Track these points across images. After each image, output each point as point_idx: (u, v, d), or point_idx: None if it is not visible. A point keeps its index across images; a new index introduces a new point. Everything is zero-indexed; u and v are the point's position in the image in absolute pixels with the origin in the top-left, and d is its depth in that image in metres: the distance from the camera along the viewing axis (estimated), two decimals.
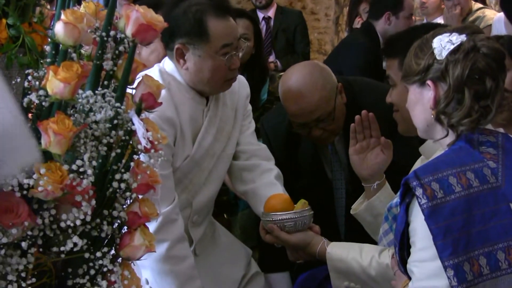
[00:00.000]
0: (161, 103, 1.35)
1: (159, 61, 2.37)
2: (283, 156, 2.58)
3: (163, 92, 2.10)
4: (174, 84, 2.22)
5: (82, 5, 1.39)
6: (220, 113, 2.33)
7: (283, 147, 2.61)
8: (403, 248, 1.56)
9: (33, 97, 1.24)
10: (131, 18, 1.29)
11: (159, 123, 2.04)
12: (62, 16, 1.26)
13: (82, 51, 1.41)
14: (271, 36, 5.34)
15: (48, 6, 1.47)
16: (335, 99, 2.42)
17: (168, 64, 2.27)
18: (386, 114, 2.19)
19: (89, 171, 1.23)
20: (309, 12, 6.96)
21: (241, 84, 2.46)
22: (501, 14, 4.41)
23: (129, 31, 1.30)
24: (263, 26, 5.27)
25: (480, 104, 1.53)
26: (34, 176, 1.19)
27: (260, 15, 5.42)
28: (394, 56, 2.10)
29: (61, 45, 1.27)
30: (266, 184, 2.38)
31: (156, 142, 1.29)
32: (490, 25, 4.58)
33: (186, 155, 2.24)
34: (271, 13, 5.46)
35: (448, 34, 1.57)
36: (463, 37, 1.55)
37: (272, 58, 5.16)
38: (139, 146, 1.28)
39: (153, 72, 2.24)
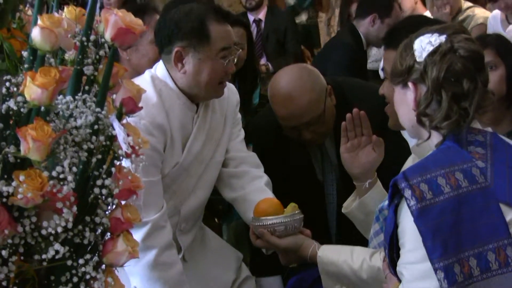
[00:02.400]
0: (141, 107, 1.34)
1: (150, 66, 2.37)
2: (272, 158, 2.57)
3: (155, 98, 2.15)
4: (165, 90, 2.22)
5: (64, 10, 1.38)
6: (209, 120, 2.33)
7: (272, 149, 2.60)
8: (393, 250, 1.55)
9: (11, 103, 1.22)
10: (110, 22, 1.27)
11: (150, 129, 2.06)
12: (39, 21, 1.24)
13: (66, 57, 1.39)
14: (262, 38, 5.32)
15: (29, 12, 1.45)
16: (324, 101, 2.41)
17: (160, 69, 2.26)
18: (376, 114, 2.18)
19: (70, 178, 1.21)
20: None
21: (231, 91, 2.47)
22: (497, 11, 4.41)
23: (108, 35, 1.29)
24: (254, 28, 5.24)
25: (460, 106, 1.52)
26: (14, 184, 1.17)
27: (251, 17, 5.40)
28: (394, 47, 2.05)
29: (38, 51, 1.25)
30: (256, 190, 2.37)
31: (137, 147, 1.27)
32: (481, 23, 4.57)
33: (175, 162, 2.23)
34: (261, 15, 5.44)
35: (429, 35, 1.56)
36: (442, 38, 1.54)
37: (263, 61, 5.13)
38: (120, 151, 1.27)
39: (145, 78, 2.24)
